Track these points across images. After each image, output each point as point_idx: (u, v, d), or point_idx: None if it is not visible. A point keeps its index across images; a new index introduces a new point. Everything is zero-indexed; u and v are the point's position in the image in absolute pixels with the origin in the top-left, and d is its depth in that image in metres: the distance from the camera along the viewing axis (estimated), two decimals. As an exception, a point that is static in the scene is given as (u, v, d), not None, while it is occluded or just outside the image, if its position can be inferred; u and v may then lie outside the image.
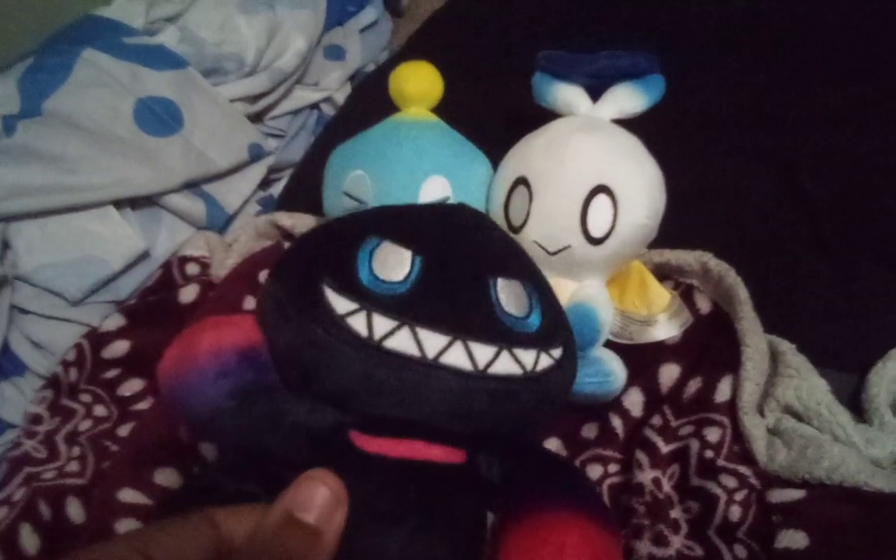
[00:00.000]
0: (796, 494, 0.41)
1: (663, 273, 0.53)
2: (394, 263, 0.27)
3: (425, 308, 0.26)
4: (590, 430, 0.48)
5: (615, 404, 0.47)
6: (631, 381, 0.47)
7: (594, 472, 0.46)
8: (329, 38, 0.83)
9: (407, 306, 0.26)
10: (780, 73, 0.69)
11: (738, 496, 0.42)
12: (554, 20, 0.82)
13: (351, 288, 0.27)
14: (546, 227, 0.47)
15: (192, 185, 0.64)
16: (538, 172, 0.48)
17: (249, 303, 0.56)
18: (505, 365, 0.27)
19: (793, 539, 0.39)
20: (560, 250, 0.47)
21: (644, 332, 0.48)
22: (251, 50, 0.71)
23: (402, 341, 0.26)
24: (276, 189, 0.74)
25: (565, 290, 0.47)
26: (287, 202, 0.69)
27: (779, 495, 0.41)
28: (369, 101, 0.56)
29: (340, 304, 0.26)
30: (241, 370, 0.27)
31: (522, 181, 0.48)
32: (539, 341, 0.28)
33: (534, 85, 0.53)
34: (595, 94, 0.51)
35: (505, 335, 0.27)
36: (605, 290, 0.48)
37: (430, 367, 0.26)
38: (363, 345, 0.26)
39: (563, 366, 0.29)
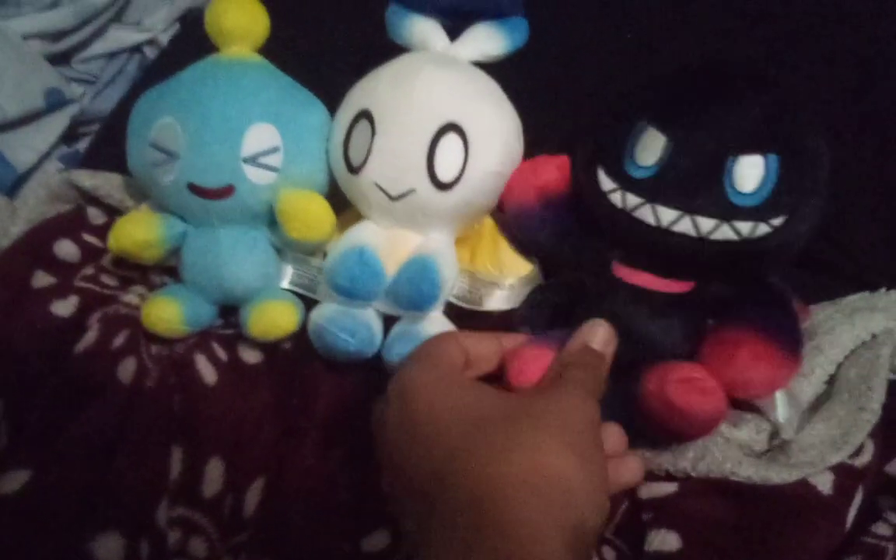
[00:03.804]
0: (668, 489, 0.36)
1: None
2: (649, 150, 0.37)
3: (665, 190, 0.36)
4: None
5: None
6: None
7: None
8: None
9: (652, 187, 0.37)
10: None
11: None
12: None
13: (616, 171, 0.38)
14: (389, 167, 0.40)
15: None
16: (383, 106, 0.41)
17: (40, 279, 0.46)
18: (724, 232, 0.35)
19: (664, 540, 0.34)
20: (403, 195, 0.40)
21: (492, 295, 0.42)
22: (51, -24, 0.58)
23: (645, 213, 0.36)
24: (86, 145, 0.62)
25: (408, 244, 0.41)
26: (93, 159, 0.58)
27: (648, 490, 0.36)
28: (199, 44, 0.47)
29: (606, 183, 0.38)
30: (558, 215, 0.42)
31: (365, 115, 0.41)
32: (760, 213, 0.35)
33: (387, 18, 0.46)
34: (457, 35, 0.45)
35: (728, 210, 0.35)
36: (452, 247, 0.42)
37: (664, 233, 0.36)
38: (620, 212, 0.37)
39: (782, 230, 0.35)
